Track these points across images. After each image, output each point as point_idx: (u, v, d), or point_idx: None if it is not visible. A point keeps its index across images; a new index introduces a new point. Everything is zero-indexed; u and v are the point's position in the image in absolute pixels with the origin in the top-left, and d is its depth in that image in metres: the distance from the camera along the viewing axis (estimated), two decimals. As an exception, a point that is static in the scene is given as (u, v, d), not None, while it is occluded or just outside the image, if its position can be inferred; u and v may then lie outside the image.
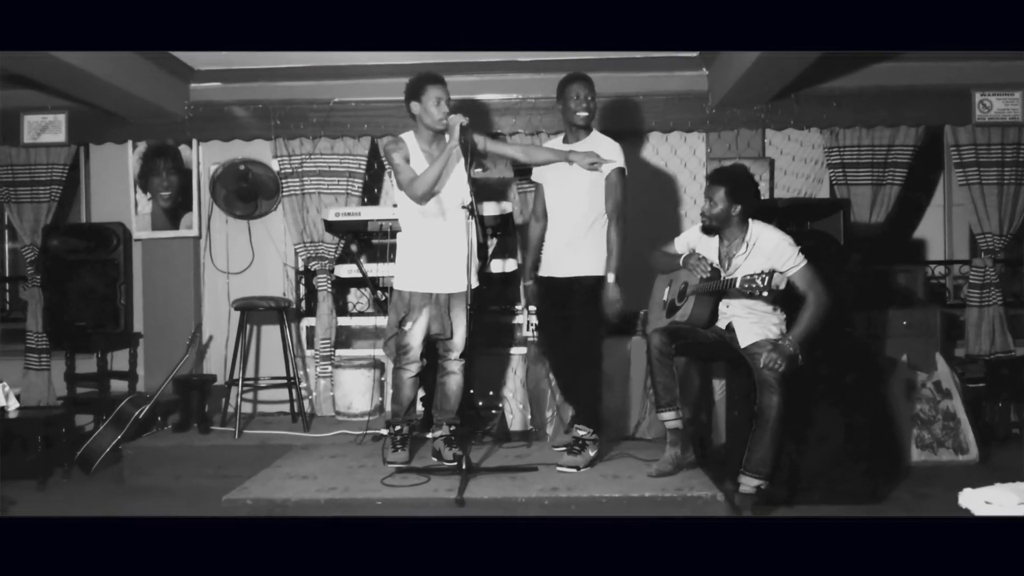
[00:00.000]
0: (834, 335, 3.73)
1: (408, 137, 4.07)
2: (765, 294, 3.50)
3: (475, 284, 4.06)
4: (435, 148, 4.04)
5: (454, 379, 4.20)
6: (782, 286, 3.55)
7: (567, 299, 4.11)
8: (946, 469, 4.62)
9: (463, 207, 3.88)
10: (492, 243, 4.75)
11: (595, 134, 4.20)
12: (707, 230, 3.88)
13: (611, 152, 4.09)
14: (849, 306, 4.37)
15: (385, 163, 4.12)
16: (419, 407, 4.45)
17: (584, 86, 4.10)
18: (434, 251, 4.02)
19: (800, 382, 3.69)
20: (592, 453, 4.06)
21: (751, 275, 3.52)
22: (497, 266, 4.83)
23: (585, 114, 4.09)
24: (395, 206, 4.32)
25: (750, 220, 3.80)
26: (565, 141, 4.22)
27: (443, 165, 3.88)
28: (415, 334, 4.06)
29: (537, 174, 4.33)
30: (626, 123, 5.56)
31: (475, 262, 4.04)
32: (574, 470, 3.97)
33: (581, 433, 4.07)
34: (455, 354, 4.17)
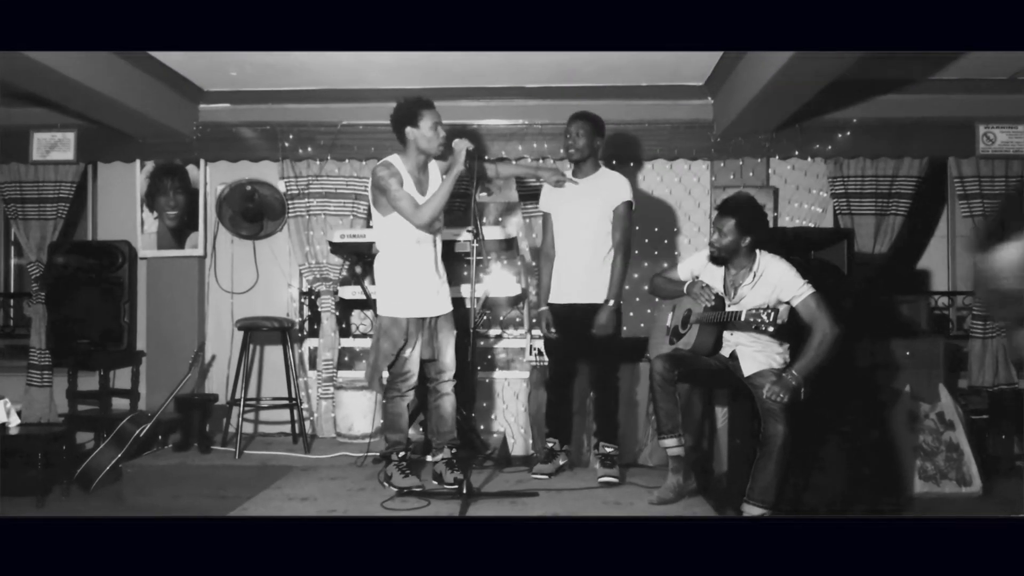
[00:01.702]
0: (837, 365, 3.71)
1: (396, 161, 4.00)
2: (771, 330, 3.50)
3: (450, 308, 4.12)
4: (423, 174, 4.04)
5: (448, 400, 4.18)
6: (785, 319, 3.56)
7: (586, 325, 4.19)
8: (949, 501, 4.60)
9: (467, 230, 3.92)
10: (495, 267, 4.75)
11: (603, 169, 4.37)
12: (715, 260, 3.87)
13: (619, 186, 4.28)
14: (852, 336, 4.37)
15: (373, 188, 3.98)
16: (411, 431, 4.40)
17: (577, 124, 4.26)
18: (425, 275, 4.02)
19: (803, 411, 3.67)
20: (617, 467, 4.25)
21: (756, 309, 3.52)
22: (501, 290, 4.84)
23: (572, 151, 4.28)
24: (370, 225, 4.33)
25: (758, 251, 3.79)
26: (573, 174, 4.35)
27: (450, 191, 3.88)
28: (415, 359, 4.04)
29: (544, 203, 4.42)
30: (631, 150, 5.61)
31: (445, 285, 4.10)
32: (616, 480, 4.15)
33: (609, 450, 4.25)
34: (448, 375, 4.16)
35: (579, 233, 4.26)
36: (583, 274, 4.23)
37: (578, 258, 4.25)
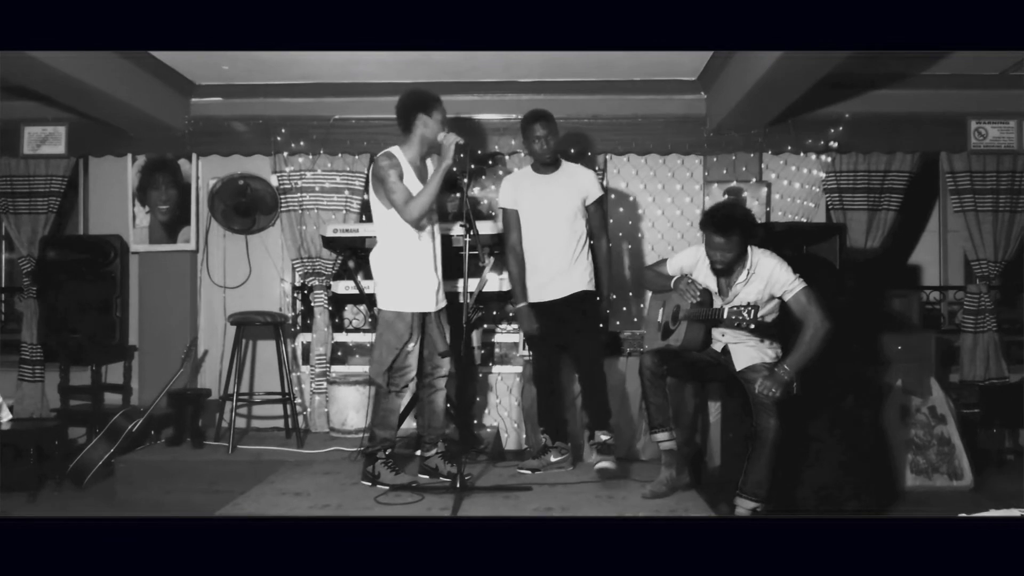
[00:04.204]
0: (831, 359, 3.72)
1: (397, 152, 3.98)
2: (752, 327, 3.52)
3: (445, 302, 4.14)
4: (423, 164, 4.06)
5: (442, 395, 4.20)
6: (769, 318, 3.58)
7: (566, 317, 4.19)
8: (941, 495, 4.63)
9: (461, 225, 3.91)
10: (489, 261, 4.74)
11: (564, 163, 4.36)
12: (719, 272, 3.80)
13: (591, 181, 4.31)
14: (844, 330, 4.39)
15: (373, 178, 3.97)
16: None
17: (543, 125, 4.23)
18: (428, 269, 4.02)
19: (796, 405, 3.69)
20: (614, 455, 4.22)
21: (738, 307, 3.53)
22: (494, 284, 4.82)
23: (545, 154, 4.25)
24: (363, 220, 4.29)
25: (749, 247, 3.79)
26: (534, 170, 4.34)
27: (439, 186, 3.86)
28: (415, 355, 4.04)
29: (509, 200, 4.37)
30: (624, 145, 5.60)
31: (441, 279, 4.09)
32: (613, 466, 4.13)
33: (604, 438, 4.21)
34: (445, 369, 4.18)
35: (553, 228, 4.23)
36: (560, 269, 4.22)
37: (554, 253, 4.23)
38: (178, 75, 5.41)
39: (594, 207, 4.31)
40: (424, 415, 4.24)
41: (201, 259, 5.83)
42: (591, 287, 4.28)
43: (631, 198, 5.69)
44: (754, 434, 3.63)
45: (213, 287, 5.83)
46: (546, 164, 4.29)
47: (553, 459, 4.33)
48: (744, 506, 3.63)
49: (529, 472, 4.26)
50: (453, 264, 4.64)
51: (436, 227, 4.10)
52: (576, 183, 4.27)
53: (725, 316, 3.59)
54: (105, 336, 5.61)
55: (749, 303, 3.54)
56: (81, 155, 5.88)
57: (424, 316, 4.03)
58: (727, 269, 3.76)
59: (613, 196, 5.70)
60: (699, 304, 3.80)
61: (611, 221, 5.64)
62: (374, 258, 4.07)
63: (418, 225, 3.93)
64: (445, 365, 4.16)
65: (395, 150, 3.99)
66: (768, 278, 3.69)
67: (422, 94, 4.04)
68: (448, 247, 4.42)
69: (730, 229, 3.65)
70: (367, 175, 5.62)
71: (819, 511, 3.90)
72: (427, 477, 4.15)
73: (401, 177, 3.90)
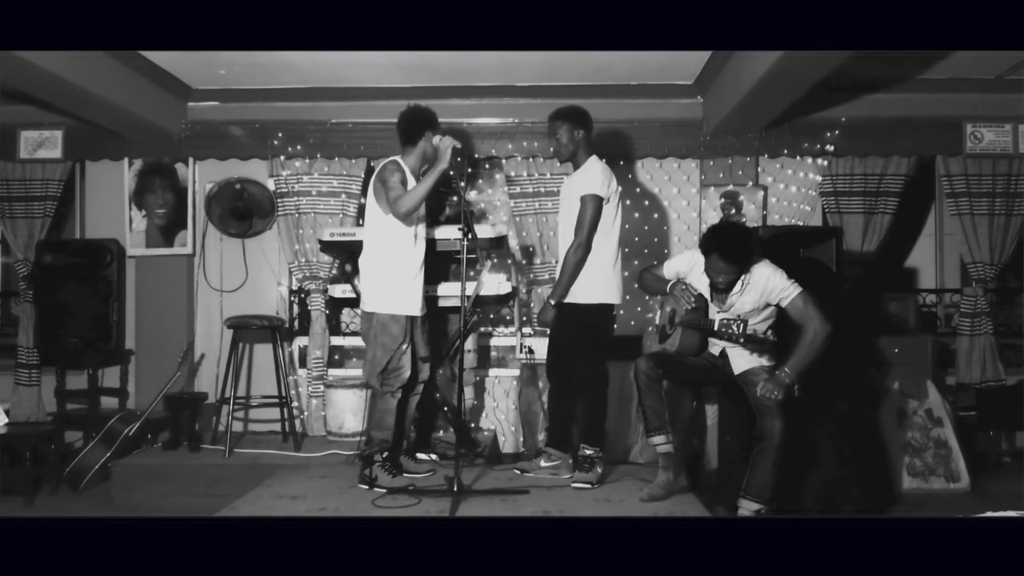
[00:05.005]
0: (828, 361, 3.72)
1: (401, 161, 4.04)
2: (741, 340, 3.53)
3: (425, 310, 4.17)
4: (419, 176, 4.08)
5: (416, 399, 4.25)
6: (763, 326, 3.60)
7: (569, 324, 4.13)
8: (937, 497, 4.64)
9: (459, 228, 3.93)
10: (487, 264, 4.74)
11: (589, 161, 4.19)
12: (719, 288, 3.79)
13: (586, 178, 4.11)
14: (842, 334, 4.39)
15: (376, 182, 4.00)
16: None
17: (555, 124, 4.17)
18: (420, 274, 4.06)
19: (795, 407, 3.69)
20: (600, 470, 4.11)
21: (728, 320, 3.55)
22: (491, 287, 4.82)
23: (558, 153, 4.21)
24: (360, 223, 4.33)
25: None
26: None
27: (431, 187, 3.88)
28: (408, 356, 4.06)
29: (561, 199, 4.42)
30: (621, 148, 5.60)
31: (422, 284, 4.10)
32: (589, 486, 4.03)
33: (588, 452, 4.12)
34: (427, 372, 4.22)
35: (564, 230, 4.20)
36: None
37: (564, 255, 4.17)
38: (175, 79, 5.40)
39: (582, 203, 4.05)
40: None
41: (198, 263, 5.83)
42: (595, 300, 4.09)
43: (627, 202, 5.69)
44: (759, 436, 3.63)
45: (210, 291, 5.82)
46: (568, 163, 4.25)
47: (544, 464, 4.30)
48: (748, 508, 3.62)
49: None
50: (441, 268, 4.66)
51: (423, 230, 4.12)
52: (579, 182, 4.13)
53: (716, 328, 3.61)
54: (101, 340, 5.61)
55: (739, 316, 3.56)
56: (78, 159, 5.88)
57: (412, 320, 4.06)
58: (727, 287, 3.76)
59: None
60: (694, 310, 3.81)
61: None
62: (366, 262, 4.09)
63: (408, 221, 3.95)
64: (425, 370, 4.20)
65: (400, 159, 4.05)
66: (764, 287, 3.68)
67: (430, 112, 4.10)
68: (439, 250, 4.43)
69: (736, 256, 3.63)
70: (364, 179, 5.63)
71: (816, 513, 3.90)
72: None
73: (404, 183, 3.93)
